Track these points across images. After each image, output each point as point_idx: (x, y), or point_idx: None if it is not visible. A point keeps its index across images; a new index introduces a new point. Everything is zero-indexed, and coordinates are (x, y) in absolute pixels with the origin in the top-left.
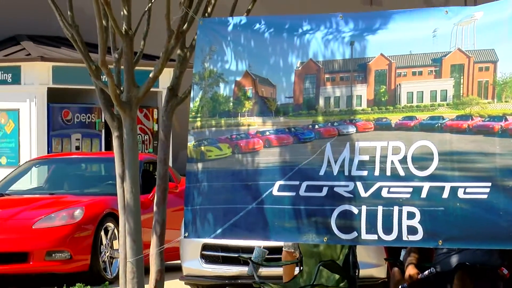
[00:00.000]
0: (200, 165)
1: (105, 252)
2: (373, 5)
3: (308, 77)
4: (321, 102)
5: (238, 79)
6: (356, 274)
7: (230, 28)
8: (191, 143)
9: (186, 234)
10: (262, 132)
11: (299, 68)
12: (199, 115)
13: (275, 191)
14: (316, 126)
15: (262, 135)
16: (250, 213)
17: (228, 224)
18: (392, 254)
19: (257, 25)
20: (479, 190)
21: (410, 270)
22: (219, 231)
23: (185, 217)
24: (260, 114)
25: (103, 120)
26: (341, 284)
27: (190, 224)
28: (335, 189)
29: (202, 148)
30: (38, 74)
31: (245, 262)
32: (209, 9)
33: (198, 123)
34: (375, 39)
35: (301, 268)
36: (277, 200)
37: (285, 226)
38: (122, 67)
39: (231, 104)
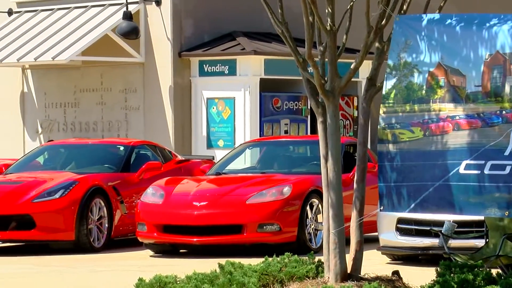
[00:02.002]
0: (392, 146)
1: (310, 224)
2: None
3: (496, 67)
4: (507, 90)
5: (431, 69)
6: None
7: (424, 23)
8: (381, 125)
9: (382, 208)
10: (452, 116)
11: (488, 60)
12: (392, 101)
13: (461, 169)
14: (504, 112)
15: (452, 119)
16: (438, 189)
17: (419, 200)
18: None
19: (449, 21)
20: None
21: None
22: (412, 206)
23: (379, 192)
24: (450, 100)
25: (308, 107)
26: None
27: (385, 199)
28: None
29: (395, 130)
30: (252, 66)
31: (436, 235)
32: (404, 7)
33: (392, 109)
34: None
35: (487, 240)
36: (463, 177)
37: (469, 201)
38: (326, 59)
39: (424, 91)
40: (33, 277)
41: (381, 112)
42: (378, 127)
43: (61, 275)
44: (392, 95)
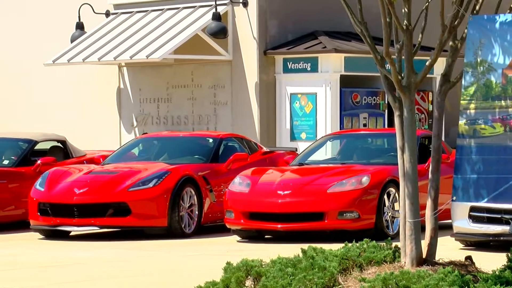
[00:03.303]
0: (471, 141)
1: (387, 212)
2: None
3: None
4: None
5: (505, 68)
6: None
7: (497, 25)
8: (462, 121)
9: (454, 198)
10: None
11: None
12: (472, 98)
13: None
14: None
15: None
16: None
17: (497, 192)
18: None
19: None
20: None
21: None
22: (490, 196)
23: (454, 183)
24: None
25: (386, 102)
26: None
27: (459, 189)
28: None
29: (476, 126)
30: (333, 63)
31: (506, 222)
32: (477, 7)
33: (471, 105)
34: None
35: None
36: None
37: None
38: (403, 57)
39: (501, 89)
40: (128, 261)
41: (461, 108)
42: (459, 122)
43: (154, 259)
44: (471, 92)
